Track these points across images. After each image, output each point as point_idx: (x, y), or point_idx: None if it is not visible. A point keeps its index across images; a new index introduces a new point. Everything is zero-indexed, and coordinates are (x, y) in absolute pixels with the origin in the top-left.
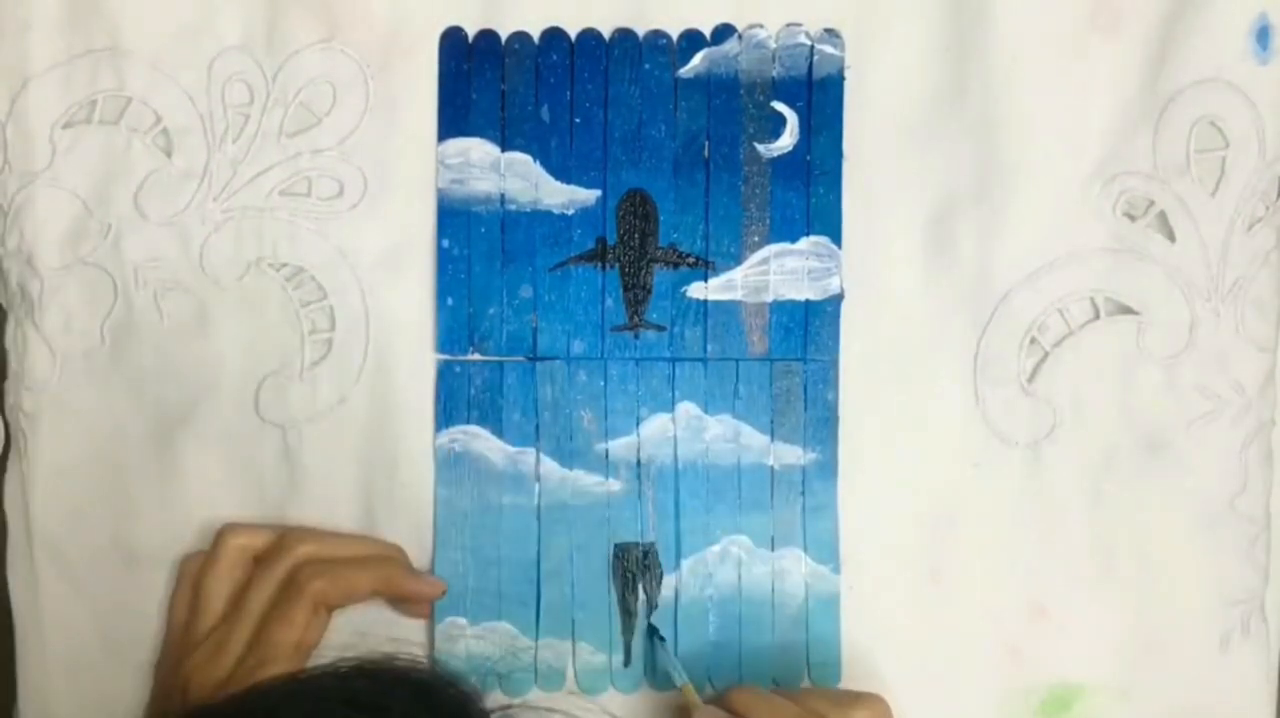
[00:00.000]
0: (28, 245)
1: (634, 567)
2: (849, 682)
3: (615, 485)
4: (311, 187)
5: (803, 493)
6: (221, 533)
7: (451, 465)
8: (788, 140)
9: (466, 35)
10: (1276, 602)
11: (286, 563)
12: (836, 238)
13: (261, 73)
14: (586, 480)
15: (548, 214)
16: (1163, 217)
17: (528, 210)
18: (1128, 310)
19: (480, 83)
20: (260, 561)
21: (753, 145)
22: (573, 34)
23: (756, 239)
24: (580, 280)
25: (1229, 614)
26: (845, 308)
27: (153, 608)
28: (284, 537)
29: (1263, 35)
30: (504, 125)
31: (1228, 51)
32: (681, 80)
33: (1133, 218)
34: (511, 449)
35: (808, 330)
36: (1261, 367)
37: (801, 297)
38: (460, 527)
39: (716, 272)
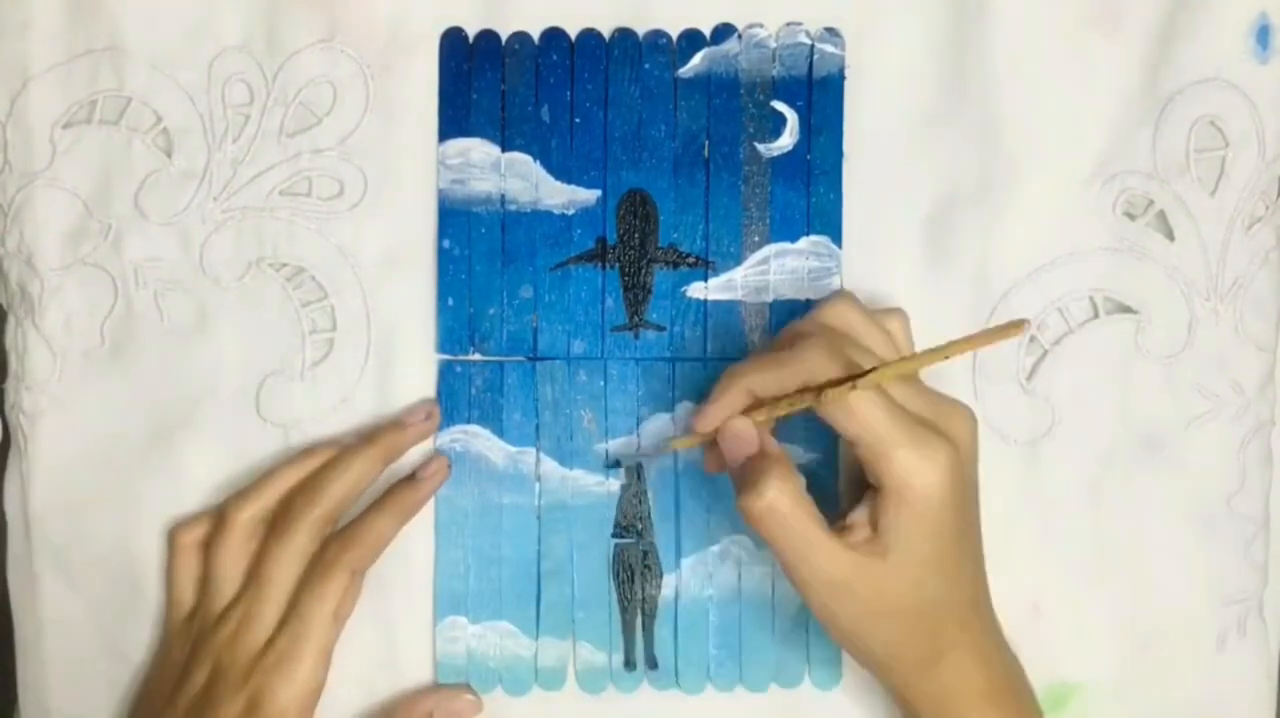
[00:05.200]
0: (28, 245)
1: (634, 567)
2: (849, 682)
3: (615, 485)
4: (312, 186)
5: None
6: (226, 509)
7: (452, 465)
8: (788, 140)
9: (466, 35)
10: (1274, 602)
11: (306, 530)
12: (836, 238)
13: (261, 73)
14: (586, 480)
15: (548, 214)
16: (1162, 216)
17: (528, 210)
18: (1127, 309)
19: (480, 83)
20: (274, 527)
21: (753, 145)
22: (573, 34)
23: (756, 239)
24: (580, 280)
25: (1226, 614)
26: None
27: (153, 608)
28: (291, 503)
29: (1263, 35)
30: (504, 125)
31: (1228, 51)
32: (681, 80)
33: (1132, 217)
34: (512, 449)
35: None
36: (1260, 366)
37: (801, 297)
38: (460, 526)
39: (716, 272)
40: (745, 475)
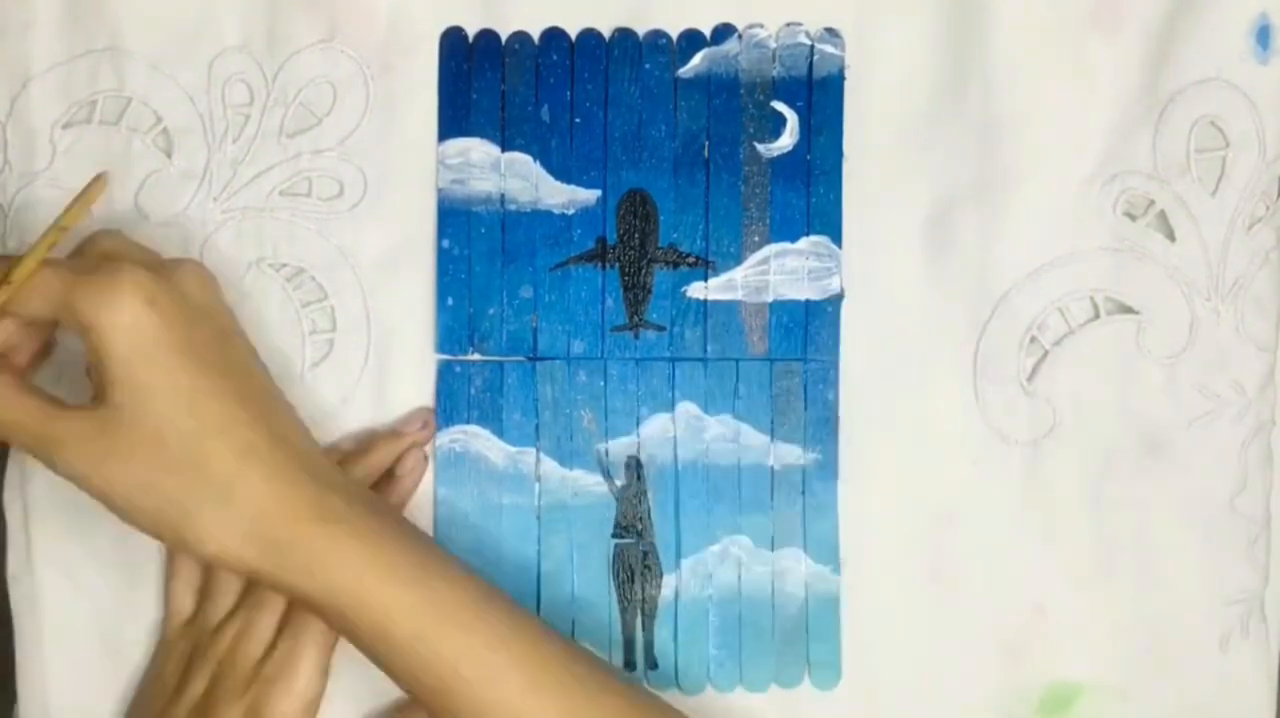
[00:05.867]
0: (28, 246)
1: (634, 567)
2: (849, 682)
3: (615, 485)
4: (312, 187)
5: (803, 493)
6: None
7: (451, 465)
8: (788, 140)
9: (466, 35)
10: (1276, 602)
11: None
12: (836, 238)
13: (261, 73)
14: (586, 480)
15: (548, 214)
16: (1163, 216)
17: (528, 210)
18: (1128, 310)
19: (480, 83)
20: None
21: (753, 145)
22: (573, 34)
23: (756, 239)
24: (580, 280)
25: (1228, 614)
26: (845, 308)
27: (153, 608)
28: None
29: (1263, 35)
30: (504, 125)
31: (1228, 51)
32: (681, 80)
33: (1133, 217)
34: (511, 449)
35: (808, 330)
36: (1261, 366)
37: (801, 297)
38: (460, 527)
39: (716, 272)
40: None
